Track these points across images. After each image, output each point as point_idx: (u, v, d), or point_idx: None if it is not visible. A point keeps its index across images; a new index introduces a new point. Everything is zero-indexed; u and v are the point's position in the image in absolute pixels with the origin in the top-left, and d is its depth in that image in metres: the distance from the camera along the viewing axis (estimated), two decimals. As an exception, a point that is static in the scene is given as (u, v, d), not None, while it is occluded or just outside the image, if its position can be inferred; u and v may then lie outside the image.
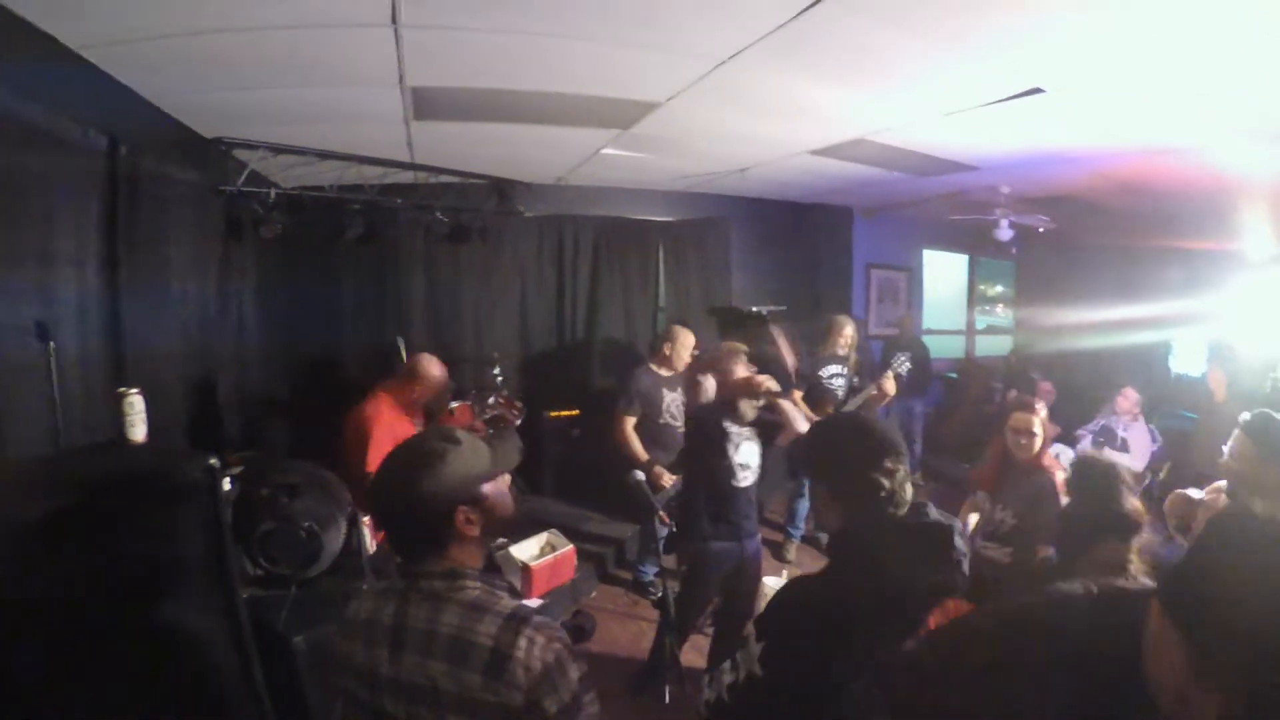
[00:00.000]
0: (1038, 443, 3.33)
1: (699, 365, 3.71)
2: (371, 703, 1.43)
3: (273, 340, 5.30)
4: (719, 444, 3.37)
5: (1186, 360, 6.61)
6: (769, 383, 3.30)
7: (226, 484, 2.27)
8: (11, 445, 2.67)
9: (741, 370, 3.44)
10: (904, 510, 1.65)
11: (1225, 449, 2.58)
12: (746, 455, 3.45)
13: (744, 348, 3.57)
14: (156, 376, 3.38)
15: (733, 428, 3.40)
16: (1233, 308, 5.39)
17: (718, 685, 1.66)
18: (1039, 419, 3.34)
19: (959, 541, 1.62)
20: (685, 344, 4.92)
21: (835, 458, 1.71)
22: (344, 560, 2.57)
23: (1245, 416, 2.62)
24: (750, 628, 1.71)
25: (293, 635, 2.10)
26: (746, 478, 3.46)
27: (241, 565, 2.26)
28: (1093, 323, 7.50)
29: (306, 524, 2.38)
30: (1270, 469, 2.38)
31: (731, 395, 3.40)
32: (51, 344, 2.56)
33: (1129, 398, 5.85)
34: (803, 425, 3.28)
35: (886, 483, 1.61)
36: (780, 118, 4.02)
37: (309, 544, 2.37)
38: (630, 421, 4.72)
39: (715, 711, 1.66)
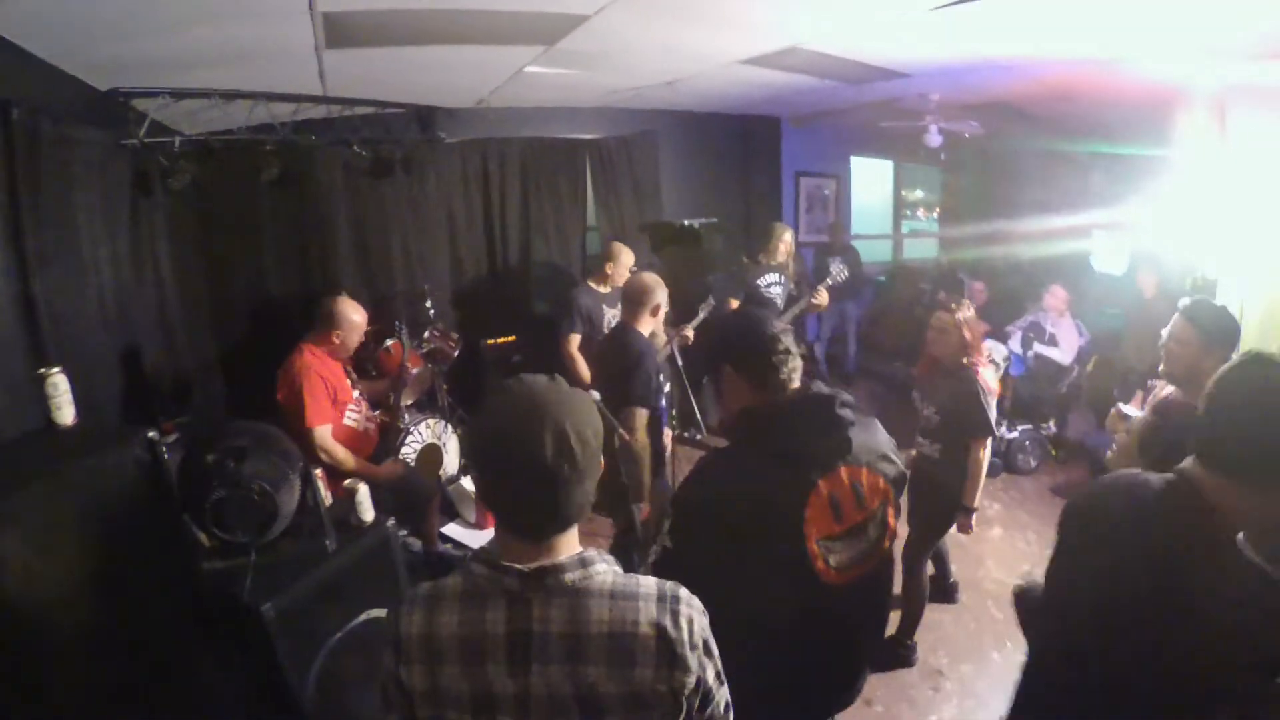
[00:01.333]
0: (952, 339, 3.43)
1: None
2: None
3: (195, 297, 5.02)
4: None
5: (1108, 261, 6.87)
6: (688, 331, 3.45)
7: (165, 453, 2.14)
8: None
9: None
10: (794, 380, 1.85)
11: (1164, 333, 2.65)
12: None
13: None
14: (78, 352, 3.15)
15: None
16: (1154, 212, 5.60)
17: (644, 566, 1.79)
18: (954, 318, 3.44)
19: (843, 411, 1.80)
20: (625, 261, 4.89)
21: (742, 345, 1.88)
22: (301, 519, 2.49)
23: (1185, 302, 2.72)
24: (669, 506, 1.90)
25: (260, 604, 2.04)
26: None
27: (195, 538, 2.17)
28: (1018, 226, 7.74)
29: (258, 486, 2.27)
30: (1211, 355, 2.44)
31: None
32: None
33: (1057, 295, 6.08)
34: None
35: (784, 364, 1.82)
36: (712, 27, 3.86)
37: (263, 507, 2.26)
38: (575, 340, 4.72)
39: None
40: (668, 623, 1.23)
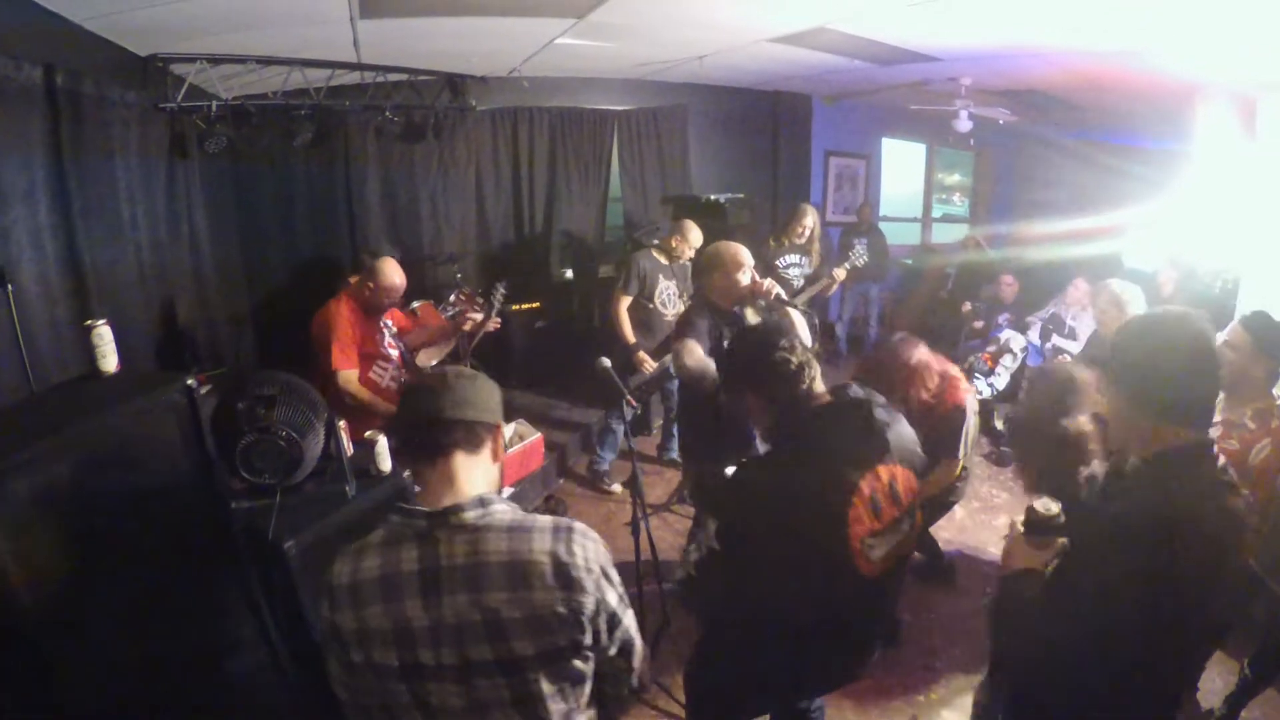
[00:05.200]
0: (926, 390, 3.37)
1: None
2: (401, 665, 1.33)
3: (228, 256, 5.18)
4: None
5: (1140, 257, 6.79)
6: (775, 288, 3.27)
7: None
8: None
9: (746, 277, 3.31)
10: (818, 385, 1.88)
11: (1219, 337, 2.68)
12: None
13: (748, 255, 3.35)
14: (119, 305, 3.32)
15: None
16: (1186, 208, 5.54)
17: (687, 565, 1.85)
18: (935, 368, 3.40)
19: (879, 412, 1.84)
20: (693, 240, 4.92)
21: (756, 369, 1.90)
22: (324, 465, 2.63)
23: (1247, 314, 2.85)
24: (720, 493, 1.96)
25: (283, 541, 2.18)
26: None
27: (227, 479, 2.31)
28: (1047, 219, 7.64)
29: (285, 433, 2.40)
30: (1259, 363, 2.70)
31: (738, 303, 3.32)
32: (10, 286, 2.50)
33: (1079, 288, 6.03)
34: (805, 328, 3.30)
35: (802, 376, 1.84)
36: (742, 2, 3.91)
37: (290, 452, 2.39)
38: (626, 301, 4.79)
39: (688, 586, 1.87)
40: (561, 549, 1.36)
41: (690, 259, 4.89)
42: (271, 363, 4.57)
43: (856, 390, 1.91)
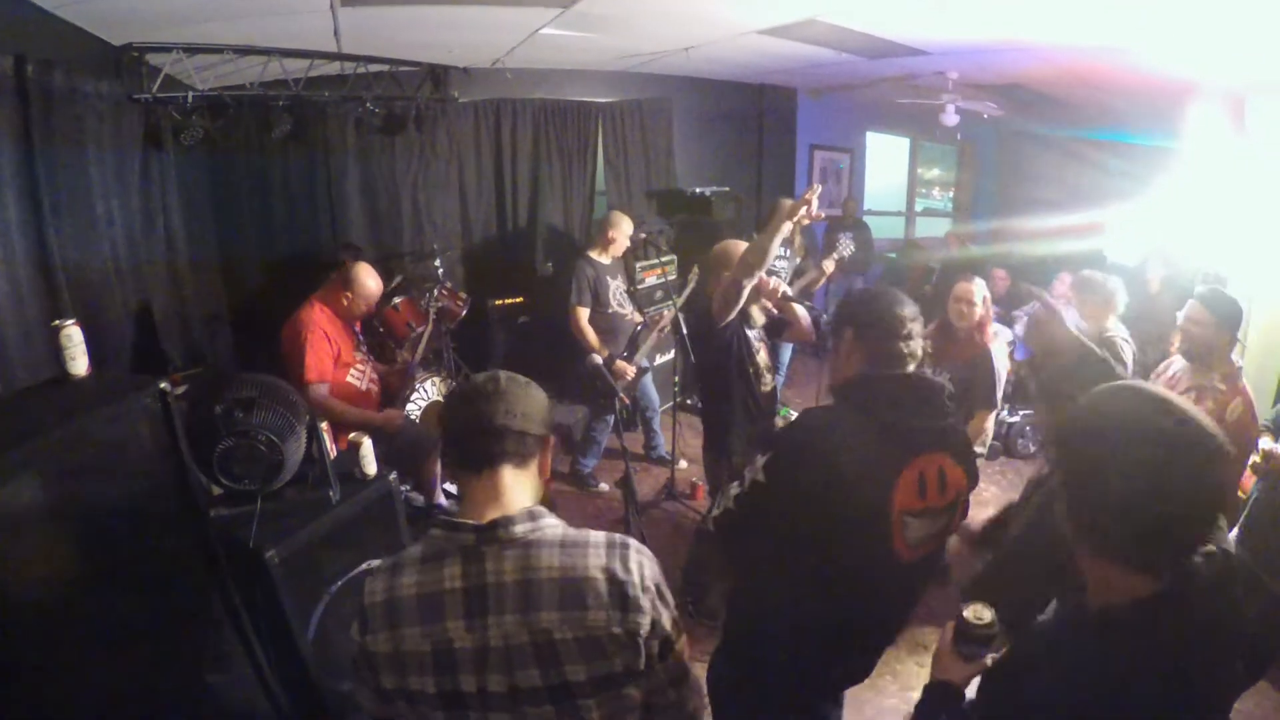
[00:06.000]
0: (977, 312, 3.49)
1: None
2: (440, 692, 1.24)
3: (204, 252, 5.04)
4: (742, 354, 3.24)
5: (1121, 252, 6.82)
6: (781, 285, 3.27)
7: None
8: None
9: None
10: (911, 363, 1.86)
11: (1180, 315, 3.08)
12: (765, 358, 3.38)
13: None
14: (92, 304, 3.21)
15: (750, 334, 3.28)
16: (1172, 205, 5.58)
17: (724, 499, 1.83)
18: (979, 288, 3.55)
19: (949, 401, 1.85)
20: (626, 230, 4.87)
21: (869, 315, 1.88)
22: (306, 469, 2.55)
23: (1200, 290, 3.11)
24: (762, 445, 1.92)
25: (265, 550, 2.11)
26: (769, 380, 3.39)
27: (205, 486, 2.22)
28: (1032, 216, 7.66)
29: (265, 436, 2.32)
30: (1221, 335, 2.96)
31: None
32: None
33: (1064, 281, 6.05)
34: (808, 322, 3.36)
35: (906, 345, 1.83)
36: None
37: (270, 457, 2.31)
38: (584, 314, 4.74)
39: (723, 521, 1.82)
40: (617, 566, 1.27)
41: (626, 249, 4.92)
42: (249, 363, 4.48)
43: (929, 373, 1.89)
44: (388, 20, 4.07)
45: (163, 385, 1.98)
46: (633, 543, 1.33)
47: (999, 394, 3.45)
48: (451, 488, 4.75)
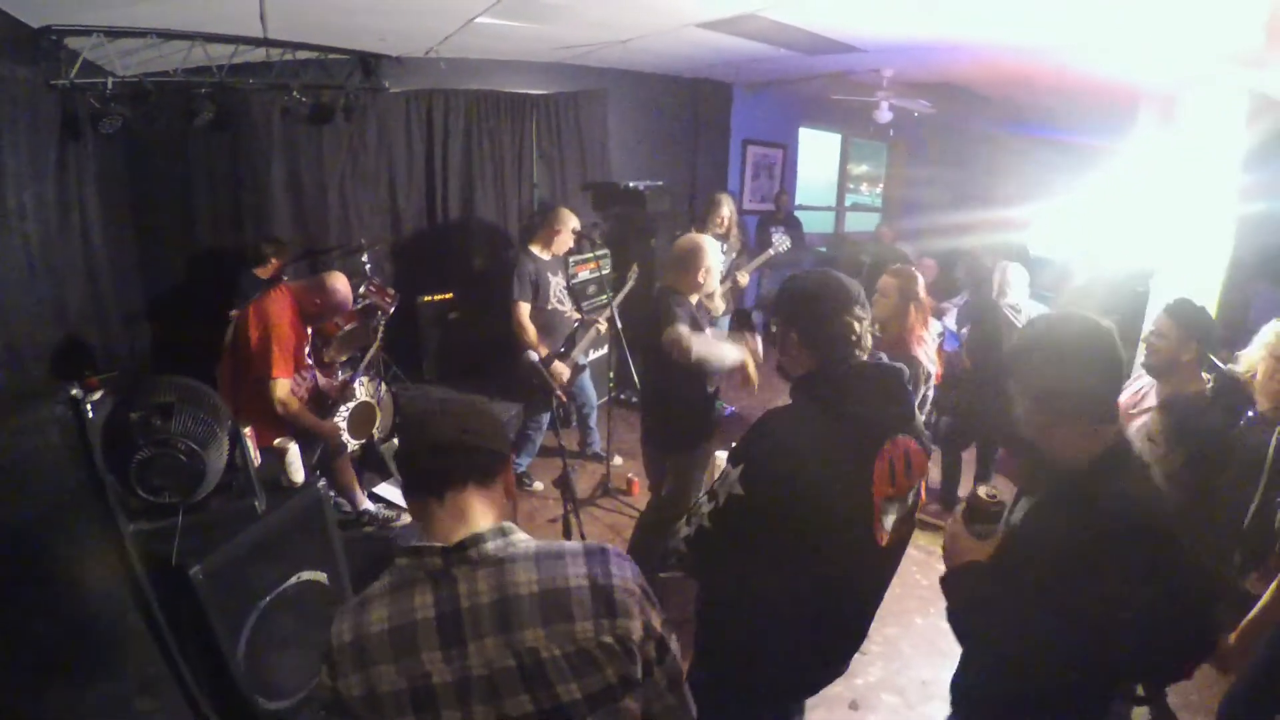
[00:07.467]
0: (889, 304, 3.49)
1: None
2: None
3: (123, 246, 4.80)
4: None
5: (1044, 245, 7.05)
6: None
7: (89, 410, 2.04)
8: None
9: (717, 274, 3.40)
10: (866, 354, 1.85)
11: (1145, 328, 3.09)
12: None
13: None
14: (4, 302, 3.00)
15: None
16: (1095, 201, 5.76)
17: (696, 519, 1.79)
18: (896, 284, 3.50)
19: (909, 384, 1.87)
20: (568, 226, 4.79)
21: (810, 308, 1.84)
22: (230, 478, 2.42)
23: (1169, 301, 2.97)
24: (723, 461, 1.89)
25: (189, 566, 1.98)
26: (713, 380, 3.39)
27: (122, 499, 2.08)
28: (960, 208, 7.86)
29: (185, 445, 2.19)
30: (1188, 349, 2.84)
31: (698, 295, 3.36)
32: None
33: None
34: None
35: (856, 327, 1.81)
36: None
37: (191, 466, 2.19)
38: (525, 309, 4.63)
39: (695, 542, 1.78)
40: (598, 572, 1.22)
41: (570, 247, 4.86)
42: (168, 364, 4.26)
43: (886, 359, 1.88)
44: (317, 4, 3.91)
45: (74, 392, 1.84)
46: (610, 548, 1.28)
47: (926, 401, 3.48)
48: (384, 492, 4.62)
